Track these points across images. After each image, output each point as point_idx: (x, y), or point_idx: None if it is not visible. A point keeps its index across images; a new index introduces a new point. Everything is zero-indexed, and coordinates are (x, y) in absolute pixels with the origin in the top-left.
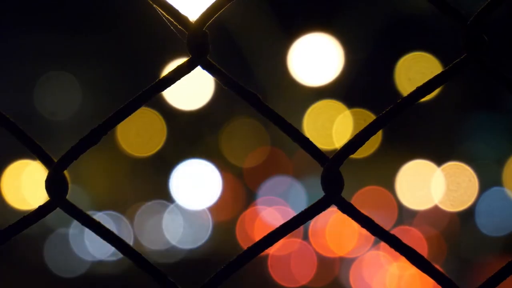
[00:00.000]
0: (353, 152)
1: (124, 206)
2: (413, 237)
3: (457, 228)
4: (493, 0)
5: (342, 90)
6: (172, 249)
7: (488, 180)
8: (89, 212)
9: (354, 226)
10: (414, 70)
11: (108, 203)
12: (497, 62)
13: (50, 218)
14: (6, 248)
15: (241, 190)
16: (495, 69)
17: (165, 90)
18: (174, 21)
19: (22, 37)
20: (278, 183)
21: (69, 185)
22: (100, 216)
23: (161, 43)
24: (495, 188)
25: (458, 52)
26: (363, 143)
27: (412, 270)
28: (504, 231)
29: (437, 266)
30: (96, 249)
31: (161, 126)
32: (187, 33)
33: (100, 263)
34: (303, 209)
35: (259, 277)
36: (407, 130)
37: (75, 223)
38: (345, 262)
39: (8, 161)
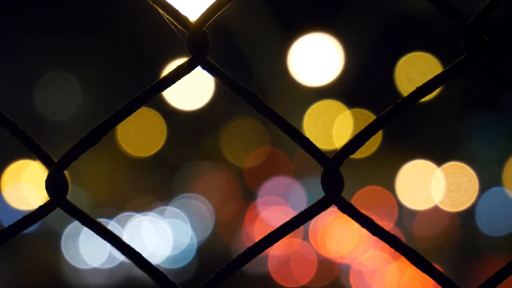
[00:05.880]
0: (353, 152)
1: (123, 205)
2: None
3: (457, 228)
4: (493, 0)
5: (342, 90)
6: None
7: (488, 180)
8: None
9: (354, 226)
10: (414, 70)
11: (108, 203)
12: (497, 62)
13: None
14: None
15: (241, 190)
16: (495, 69)
17: (165, 90)
18: (174, 21)
19: (22, 37)
20: (278, 183)
21: (69, 185)
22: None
23: (161, 43)
24: (495, 188)
25: (458, 52)
26: (363, 143)
27: (412, 270)
28: (504, 231)
29: (437, 266)
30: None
31: (161, 126)
32: (187, 33)
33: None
34: (303, 209)
35: (259, 277)
36: (407, 130)
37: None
38: (345, 262)
39: (8, 161)
